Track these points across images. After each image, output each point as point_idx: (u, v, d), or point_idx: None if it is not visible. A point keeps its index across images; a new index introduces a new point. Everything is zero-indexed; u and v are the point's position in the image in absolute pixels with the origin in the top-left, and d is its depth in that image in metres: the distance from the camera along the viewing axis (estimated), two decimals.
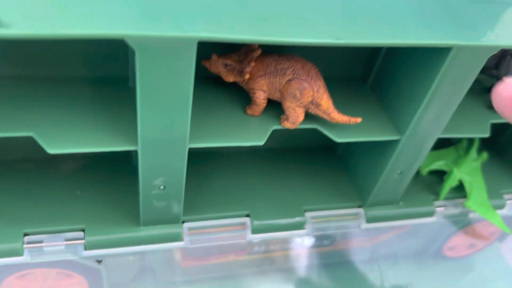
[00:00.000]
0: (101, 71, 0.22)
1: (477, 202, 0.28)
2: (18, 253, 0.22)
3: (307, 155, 0.29)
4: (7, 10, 0.15)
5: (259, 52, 0.21)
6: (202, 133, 0.20)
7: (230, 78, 0.21)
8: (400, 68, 0.23)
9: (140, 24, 0.15)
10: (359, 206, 0.27)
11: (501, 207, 0.29)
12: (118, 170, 0.25)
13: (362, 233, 0.28)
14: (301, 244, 0.29)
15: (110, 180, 0.25)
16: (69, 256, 0.22)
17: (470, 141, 0.30)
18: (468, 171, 0.29)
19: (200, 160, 0.23)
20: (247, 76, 0.21)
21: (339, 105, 0.22)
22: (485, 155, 0.30)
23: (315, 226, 0.26)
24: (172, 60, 0.16)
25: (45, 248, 0.22)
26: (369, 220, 0.27)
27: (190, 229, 0.24)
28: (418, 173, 0.29)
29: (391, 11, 0.19)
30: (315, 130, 0.23)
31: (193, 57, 0.16)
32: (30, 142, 0.24)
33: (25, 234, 0.22)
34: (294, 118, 0.22)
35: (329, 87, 0.22)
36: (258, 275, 0.29)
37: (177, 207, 0.23)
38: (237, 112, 0.23)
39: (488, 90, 0.27)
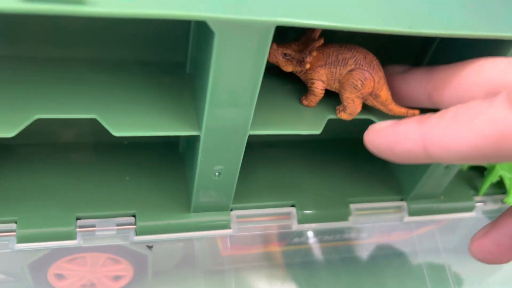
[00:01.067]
0: (158, 56, 0.22)
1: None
2: (71, 236, 0.22)
3: (351, 146, 0.29)
4: None
5: (321, 41, 0.20)
6: (261, 121, 0.21)
7: (288, 68, 0.21)
8: (452, 59, 0.23)
9: (222, 7, 0.15)
10: (402, 200, 0.27)
11: None
12: (165, 157, 0.26)
13: (403, 226, 0.28)
14: (340, 236, 0.29)
15: (157, 167, 0.25)
16: (121, 241, 0.22)
17: None
18: (509, 167, 0.29)
19: (247, 149, 0.23)
20: (307, 66, 0.20)
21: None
22: None
23: (358, 218, 0.26)
24: (249, 44, 0.16)
25: (97, 233, 0.22)
26: (412, 213, 0.27)
27: (238, 217, 0.24)
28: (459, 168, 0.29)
29: (456, 3, 0.19)
30: (364, 121, 0.23)
31: (268, 43, 0.16)
32: (82, 129, 0.24)
33: (77, 218, 0.22)
34: (352, 109, 0.22)
35: None
36: (297, 266, 0.29)
37: (229, 195, 0.23)
38: (291, 101, 0.23)
39: None
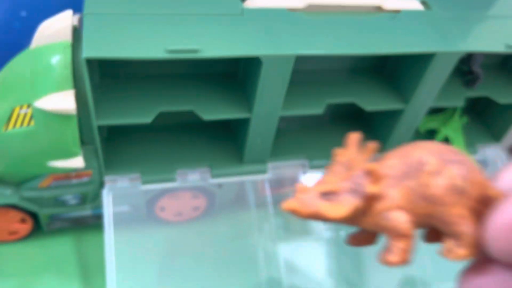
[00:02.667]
0: (217, 69, 0.36)
1: (457, 147, 0.42)
2: (173, 180, 0.36)
3: (346, 118, 0.43)
4: (198, 42, 0.28)
5: (374, 147, 0.15)
6: (288, 106, 0.34)
7: (341, 212, 0.14)
8: (408, 61, 0.36)
9: (264, 46, 0.29)
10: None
11: (474, 153, 0.43)
12: (225, 133, 0.39)
13: None
14: None
15: (218, 133, 0.39)
16: (202, 183, 0.37)
17: (455, 109, 0.43)
18: (452, 130, 0.42)
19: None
20: (373, 190, 0.13)
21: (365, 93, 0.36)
22: (465, 118, 0.43)
23: None
24: (280, 67, 0.30)
25: (188, 177, 0.36)
26: None
27: (272, 167, 0.38)
28: (418, 130, 0.42)
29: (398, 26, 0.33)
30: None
31: (290, 66, 0.30)
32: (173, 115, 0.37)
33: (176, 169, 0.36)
34: (469, 233, 0.14)
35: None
36: None
37: (267, 153, 0.37)
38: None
39: (463, 74, 0.40)
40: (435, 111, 0.43)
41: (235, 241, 0.40)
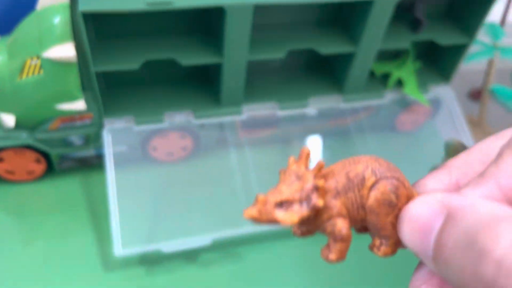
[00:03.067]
0: (194, 25, 0.42)
1: (410, 90, 0.48)
2: (161, 121, 0.42)
3: (314, 61, 0.49)
4: None
5: (321, 165, 0.16)
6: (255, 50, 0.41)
7: (292, 219, 0.16)
8: (356, 10, 0.42)
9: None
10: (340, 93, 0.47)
11: (426, 92, 0.49)
12: (203, 82, 0.46)
13: (344, 112, 0.48)
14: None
15: (199, 82, 0.45)
16: (186, 123, 0.43)
17: (408, 55, 0.49)
18: (405, 73, 0.48)
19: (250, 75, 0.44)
20: (321, 204, 0.16)
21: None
22: (418, 63, 0.49)
23: (317, 106, 0.46)
24: (243, 15, 0.36)
25: (175, 119, 0.43)
26: (347, 100, 0.47)
27: (247, 109, 0.45)
28: (373, 74, 0.49)
29: None
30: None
31: (251, 14, 0.36)
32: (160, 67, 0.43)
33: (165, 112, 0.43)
34: (395, 237, 0.16)
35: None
36: (286, 143, 0.50)
37: (240, 96, 0.43)
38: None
39: (409, 21, 0.46)
40: (390, 58, 0.49)
41: (218, 177, 0.46)
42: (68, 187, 0.45)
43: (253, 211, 0.16)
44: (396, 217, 0.16)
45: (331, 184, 0.17)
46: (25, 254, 0.39)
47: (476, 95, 0.59)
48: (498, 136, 0.18)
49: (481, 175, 0.16)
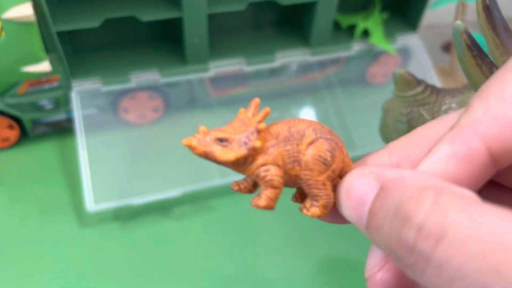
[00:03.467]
0: None
1: (376, 39, 0.48)
2: (128, 81, 0.43)
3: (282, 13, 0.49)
4: None
5: (267, 110, 0.17)
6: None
7: (228, 156, 0.16)
8: None
9: None
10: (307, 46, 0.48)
11: (394, 42, 0.50)
12: (168, 39, 0.46)
13: (313, 67, 0.49)
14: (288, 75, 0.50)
15: (164, 42, 0.46)
16: (154, 82, 0.44)
17: (375, 6, 0.49)
18: (372, 23, 0.49)
19: (216, 33, 0.44)
20: (258, 144, 0.16)
21: None
22: (385, 14, 0.50)
23: (285, 60, 0.47)
24: None
25: (141, 78, 0.44)
26: (314, 54, 0.48)
27: (214, 66, 0.45)
28: (340, 26, 0.49)
29: None
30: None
31: None
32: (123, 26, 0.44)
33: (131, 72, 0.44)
34: (326, 198, 0.17)
35: None
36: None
37: (206, 52, 0.44)
38: None
39: None
40: (357, 10, 0.50)
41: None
42: (43, 152, 0.46)
43: (192, 140, 0.16)
44: (329, 178, 0.16)
45: (272, 132, 0.17)
46: (3, 217, 0.40)
47: (448, 47, 0.59)
48: (438, 122, 0.18)
49: (454, 127, 0.15)
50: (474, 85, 0.25)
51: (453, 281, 0.12)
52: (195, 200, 0.42)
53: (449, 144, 0.15)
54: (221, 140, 0.16)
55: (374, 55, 0.50)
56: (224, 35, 0.47)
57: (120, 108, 0.45)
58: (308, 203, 0.17)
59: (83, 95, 0.42)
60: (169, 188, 0.41)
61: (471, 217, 0.12)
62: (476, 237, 0.12)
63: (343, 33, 0.49)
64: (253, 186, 0.18)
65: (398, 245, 0.13)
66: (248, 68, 0.46)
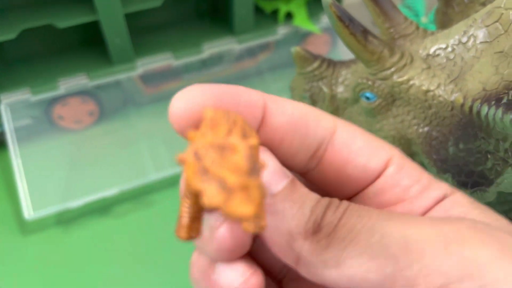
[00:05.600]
0: None
1: (300, 21, 0.49)
2: (57, 88, 0.44)
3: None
4: None
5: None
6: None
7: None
8: None
9: None
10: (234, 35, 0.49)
11: (317, 23, 0.51)
12: (90, 41, 0.47)
13: (245, 55, 0.50)
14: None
15: (89, 45, 0.47)
16: (83, 87, 0.44)
17: None
18: (295, 6, 0.50)
19: (140, 32, 0.45)
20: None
21: None
22: None
23: (212, 50, 0.48)
24: None
25: (69, 84, 0.44)
26: (241, 41, 0.48)
27: (141, 64, 0.46)
28: (264, 12, 0.50)
29: None
30: None
31: None
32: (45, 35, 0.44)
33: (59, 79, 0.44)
34: None
35: None
36: None
37: (130, 51, 0.44)
38: None
39: None
40: None
41: (126, 136, 0.48)
42: None
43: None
44: None
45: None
46: None
47: None
48: None
49: None
50: (354, 53, 0.27)
51: None
52: (133, 197, 0.43)
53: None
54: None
55: (301, 37, 0.52)
56: (149, 32, 0.48)
57: (55, 115, 0.46)
58: None
59: (13, 107, 0.43)
60: (106, 188, 0.42)
61: None
62: None
63: (268, 18, 0.50)
64: None
65: None
66: (176, 62, 0.47)
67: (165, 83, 0.50)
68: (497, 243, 0.14)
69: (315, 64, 0.31)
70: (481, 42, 0.24)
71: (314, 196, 0.15)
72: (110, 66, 0.45)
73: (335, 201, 0.15)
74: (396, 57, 0.26)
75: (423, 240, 0.14)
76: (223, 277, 0.15)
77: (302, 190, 0.15)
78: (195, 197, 0.14)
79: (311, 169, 0.17)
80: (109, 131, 0.48)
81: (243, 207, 0.10)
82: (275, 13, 0.50)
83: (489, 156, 0.23)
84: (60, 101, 0.45)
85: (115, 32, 0.42)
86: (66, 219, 0.42)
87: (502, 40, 0.23)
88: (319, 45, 0.53)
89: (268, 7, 0.50)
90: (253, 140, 0.13)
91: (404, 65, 0.26)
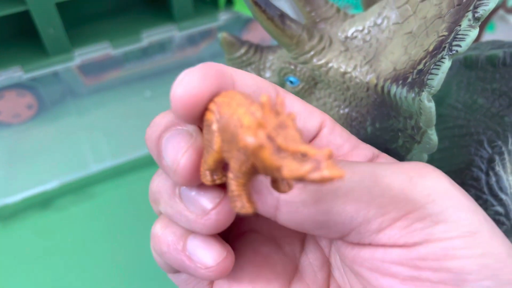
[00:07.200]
0: None
1: (241, 6, 0.49)
2: None
3: None
4: None
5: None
6: None
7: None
8: None
9: None
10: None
11: None
12: (22, 33, 0.46)
13: (186, 43, 0.49)
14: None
15: (21, 37, 0.45)
16: (17, 79, 0.43)
17: None
18: None
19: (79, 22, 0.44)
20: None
21: None
22: None
23: (151, 38, 0.47)
24: None
25: (3, 77, 0.43)
26: (181, 30, 0.48)
27: (79, 54, 0.45)
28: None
29: None
30: None
31: None
32: None
33: None
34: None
35: None
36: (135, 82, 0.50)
37: (66, 41, 0.43)
38: None
39: None
40: None
41: (66, 127, 0.47)
42: None
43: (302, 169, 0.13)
44: None
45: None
46: None
47: None
48: None
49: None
50: (274, 38, 0.27)
51: None
52: (74, 190, 0.42)
53: None
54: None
55: (243, 22, 0.52)
56: (86, 22, 0.47)
57: None
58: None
59: None
60: (47, 181, 0.41)
61: None
62: None
63: (208, 5, 0.50)
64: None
65: None
66: (114, 52, 0.46)
67: (105, 73, 0.49)
68: (447, 178, 0.17)
69: (242, 50, 0.31)
70: (393, 24, 0.25)
71: None
72: (46, 58, 0.44)
73: None
74: (315, 41, 0.26)
75: (390, 175, 0.16)
76: (198, 254, 0.17)
77: None
78: (249, 175, 0.15)
79: None
80: (49, 124, 0.47)
81: (335, 170, 0.12)
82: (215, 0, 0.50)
83: (399, 134, 0.24)
84: None
85: (47, 22, 0.41)
86: (5, 215, 0.41)
87: (411, 21, 0.24)
88: (262, 31, 0.53)
89: None
90: (291, 114, 0.14)
91: (323, 48, 0.26)
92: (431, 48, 0.22)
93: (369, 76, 0.25)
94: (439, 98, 0.30)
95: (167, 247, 0.18)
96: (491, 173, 0.27)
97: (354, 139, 0.20)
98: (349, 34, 0.27)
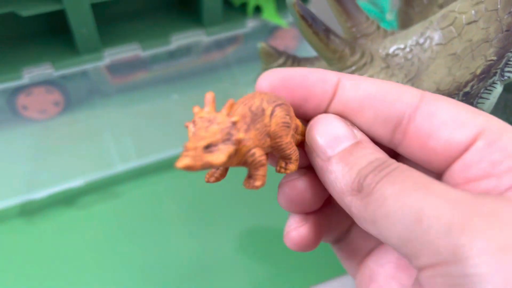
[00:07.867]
0: None
1: (268, 14, 0.50)
2: (21, 78, 0.43)
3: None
4: None
5: (232, 102, 0.18)
6: None
7: (222, 157, 0.16)
8: None
9: None
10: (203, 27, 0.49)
11: (287, 16, 0.51)
12: (55, 31, 0.46)
13: (213, 47, 0.50)
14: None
15: (54, 35, 0.46)
16: (48, 76, 0.44)
17: None
18: (263, 0, 0.50)
19: (107, 22, 0.44)
20: (241, 136, 0.17)
21: None
22: None
23: (179, 42, 0.48)
24: None
25: (34, 73, 0.43)
26: (209, 34, 0.49)
27: (108, 54, 0.46)
28: (233, 5, 0.50)
29: None
30: None
31: None
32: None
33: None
34: (296, 154, 0.19)
35: None
36: (159, 83, 0.51)
37: (97, 41, 0.44)
38: None
39: None
40: None
41: (92, 126, 0.47)
42: None
43: (186, 160, 0.16)
44: (292, 136, 0.19)
45: (241, 121, 0.18)
46: None
47: None
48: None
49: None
50: (317, 51, 0.27)
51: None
52: (99, 188, 0.43)
53: None
54: (207, 147, 0.16)
55: (270, 30, 0.52)
56: (117, 22, 0.47)
57: (18, 105, 0.45)
58: (282, 163, 0.19)
59: None
60: (72, 179, 0.42)
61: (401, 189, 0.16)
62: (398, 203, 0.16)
63: (237, 11, 0.50)
64: (225, 172, 0.20)
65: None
66: (143, 53, 0.47)
67: (132, 73, 0.49)
68: (500, 232, 0.14)
69: (280, 61, 0.31)
70: (436, 44, 0.25)
71: (371, 157, 0.17)
72: (76, 56, 0.44)
73: (387, 162, 0.17)
74: (357, 56, 0.27)
75: (432, 216, 0.15)
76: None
77: (363, 152, 0.18)
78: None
79: (398, 144, 0.18)
80: (75, 122, 0.48)
81: (179, 162, 0.16)
82: (244, 6, 0.50)
83: None
84: (24, 91, 0.44)
85: (81, 21, 0.42)
86: (30, 210, 0.41)
87: (455, 43, 0.24)
88: (287, 39, 0.54)
89: (237, 1, 0.50)
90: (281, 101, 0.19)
91: (364, 64, 0.27)
92: (478, 72, 0.22)
93: None
94: None
95: None
96: None
97: None
98: (390, 51, 0.27)
